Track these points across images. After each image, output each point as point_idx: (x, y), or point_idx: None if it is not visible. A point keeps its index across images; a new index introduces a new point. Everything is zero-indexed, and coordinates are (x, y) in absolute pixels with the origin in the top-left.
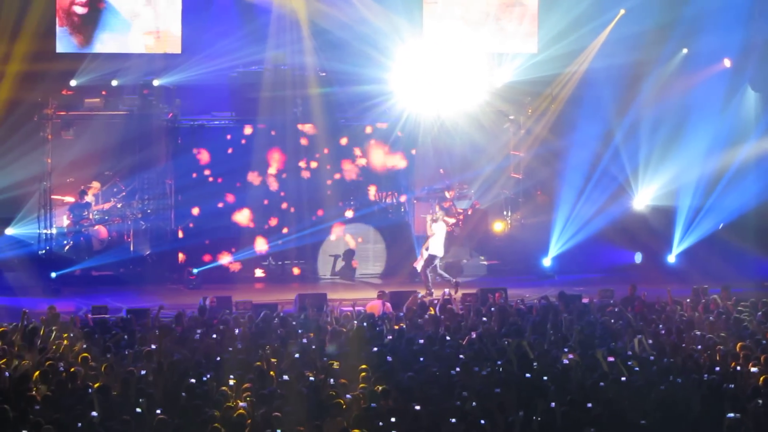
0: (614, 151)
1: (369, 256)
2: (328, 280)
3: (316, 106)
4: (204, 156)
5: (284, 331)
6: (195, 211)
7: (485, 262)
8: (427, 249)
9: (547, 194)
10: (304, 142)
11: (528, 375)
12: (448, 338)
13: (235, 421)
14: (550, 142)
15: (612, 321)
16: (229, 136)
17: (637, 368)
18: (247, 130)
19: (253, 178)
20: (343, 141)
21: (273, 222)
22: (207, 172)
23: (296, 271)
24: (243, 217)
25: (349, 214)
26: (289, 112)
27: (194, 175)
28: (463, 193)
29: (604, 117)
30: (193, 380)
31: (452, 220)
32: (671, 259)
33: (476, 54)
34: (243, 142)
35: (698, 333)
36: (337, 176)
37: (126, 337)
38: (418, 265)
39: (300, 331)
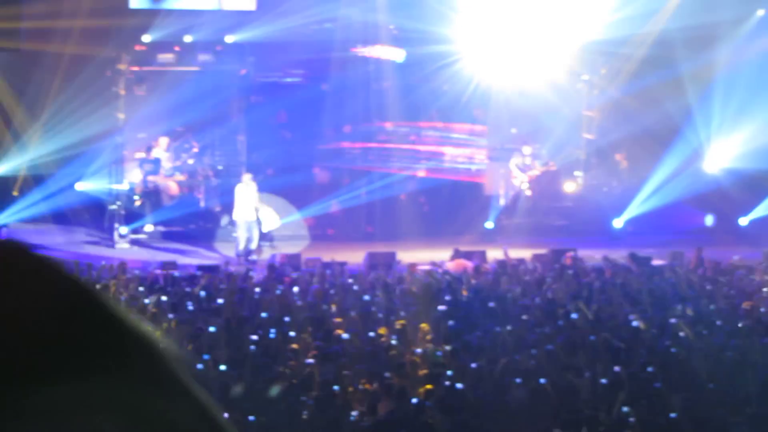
0: (688, 113)
1: None
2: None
3: (387, 65)
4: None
5: (351, 289)
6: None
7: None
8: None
9: (622, 156)
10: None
11: (592, 337)
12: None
13: (304, 379)
14: (623, 103)
15: (681, 284)
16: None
17: (704, 332)
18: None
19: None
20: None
21: (345, 180)
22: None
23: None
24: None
25: (421, 173)
26: (362, 70)
27: None
28: (535, 153)
29: (677, 78)
30: (258, 337)
31: (524, 177)
32: (743, 222)
33: (550, 14)
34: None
35: None
36: (412, 137)
37: (192, 293)
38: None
39: (367, 289)
